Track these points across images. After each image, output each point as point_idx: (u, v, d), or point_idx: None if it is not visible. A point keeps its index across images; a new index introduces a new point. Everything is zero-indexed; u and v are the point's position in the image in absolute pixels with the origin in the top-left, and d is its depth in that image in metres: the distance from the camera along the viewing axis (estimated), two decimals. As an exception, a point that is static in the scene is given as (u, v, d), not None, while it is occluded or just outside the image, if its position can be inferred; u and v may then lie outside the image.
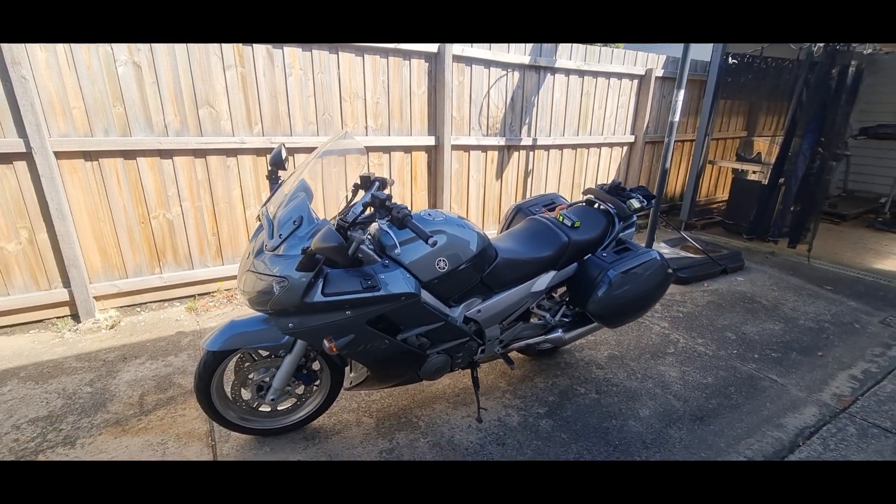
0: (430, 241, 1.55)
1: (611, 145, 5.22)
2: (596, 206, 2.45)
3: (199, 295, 3.35)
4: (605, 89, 4.91)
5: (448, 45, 3.70)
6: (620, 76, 4.96)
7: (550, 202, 2.56)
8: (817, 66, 4.53)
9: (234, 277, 3.41)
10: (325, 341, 1.71)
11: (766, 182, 4.99)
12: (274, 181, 1.93)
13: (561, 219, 2.28)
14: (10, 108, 2.55)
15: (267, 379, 1.90)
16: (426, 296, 1.85)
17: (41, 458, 1.89)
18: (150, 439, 2.01)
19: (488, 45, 4.00)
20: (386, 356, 1.85)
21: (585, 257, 2.26)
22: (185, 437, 2.03)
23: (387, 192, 1.76)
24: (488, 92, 4.14)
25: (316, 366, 2.00)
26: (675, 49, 4.14)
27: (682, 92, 3.73)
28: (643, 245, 2.43)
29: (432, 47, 3.69)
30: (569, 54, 4.51)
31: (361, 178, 1.92)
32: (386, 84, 3.64)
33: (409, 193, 4.04)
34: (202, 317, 3.11)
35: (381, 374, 1.95)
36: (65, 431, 2.04)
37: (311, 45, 3.27)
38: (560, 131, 4.75)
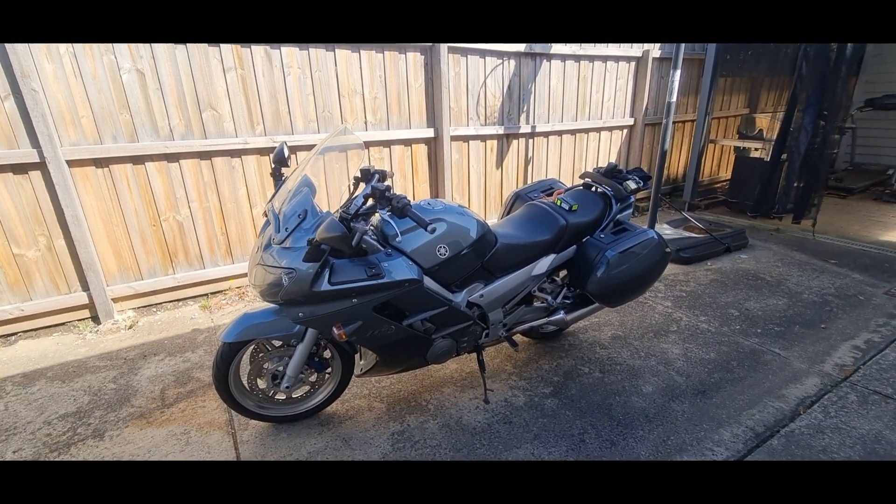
0: (430, 228, 1.62)
1: (610, 129, 5.22)
2: (593, 189, 2.49)
3: (211, 293, 3.45)
4: (603, 73, 4.91)
5: (443, 37, 3.73)
6: (617, 59, 4.95)
7: (549, 187, 2.61)
8: (816, 39, 4.48)
9: (244, 275, 3.50)
10: (335, 329, 1.79)
11: (768, 159, 4.97)
12: (278, 178, 2.00)
13: (559, 203, 2.33)
14: (22, 120, 2.65)
15: (281, 368, 1.99)
16: (429, 282, 1.92)
17: (73, 450, 2.00)
18: (173, 430, 2.12)
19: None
20: (393, 341, 1.92)
21: (584, 239, 2.31)
22: (206, 426, 2.13)
23: (387, 183, 1.83)
24: (485, 81, 4.17)
25: (327, 354, 2.09)
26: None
27: (678, 72, 3.73)
28: (644, 227, 2.47)
29: (427, 40, 3.73)
30: (564, 40, 4.52)
31: (361, 171, 1.98)
32: (383, 78, 3.69)
33: (410, 186, 4.09)
34: (216, 314, 3.22)
35: (390, 359, 2.02)
36: (93, 425, 2.15)
37: (308, 44, 3.32)
38: (558, 117, 4.76)
